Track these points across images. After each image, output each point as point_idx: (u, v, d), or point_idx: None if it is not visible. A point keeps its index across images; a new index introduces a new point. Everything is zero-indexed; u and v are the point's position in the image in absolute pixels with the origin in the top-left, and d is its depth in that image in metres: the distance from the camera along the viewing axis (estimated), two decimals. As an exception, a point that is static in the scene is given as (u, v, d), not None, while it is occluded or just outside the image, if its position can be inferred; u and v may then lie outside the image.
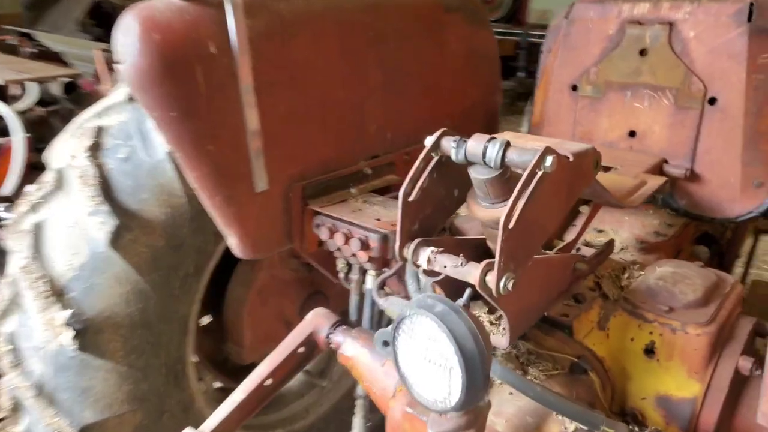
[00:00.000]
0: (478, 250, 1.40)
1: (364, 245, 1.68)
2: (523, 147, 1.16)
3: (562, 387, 1.37)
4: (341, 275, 1.91)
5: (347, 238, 1.71)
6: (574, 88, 1.99)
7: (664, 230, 1.77)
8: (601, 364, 1.41)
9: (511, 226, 1.06)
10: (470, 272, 1.13)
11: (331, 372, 2.94)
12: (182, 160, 1.59)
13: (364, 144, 2.02)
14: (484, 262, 1.12)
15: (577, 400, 1.35)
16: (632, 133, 1.86)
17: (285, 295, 2.44)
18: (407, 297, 1.77)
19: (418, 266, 1.21)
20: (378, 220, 1.72)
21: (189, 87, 1.52)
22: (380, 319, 1.84)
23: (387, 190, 2.06)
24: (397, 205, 1.24)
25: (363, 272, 1.84)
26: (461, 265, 1.15)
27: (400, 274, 1.72)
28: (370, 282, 1.78)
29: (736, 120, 1.67)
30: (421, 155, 1.23)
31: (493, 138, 1.16)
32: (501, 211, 1.21)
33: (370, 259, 1.71)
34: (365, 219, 1.72)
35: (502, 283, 1.08)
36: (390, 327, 1.29)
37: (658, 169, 1.77)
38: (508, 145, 1.14)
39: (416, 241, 1.22)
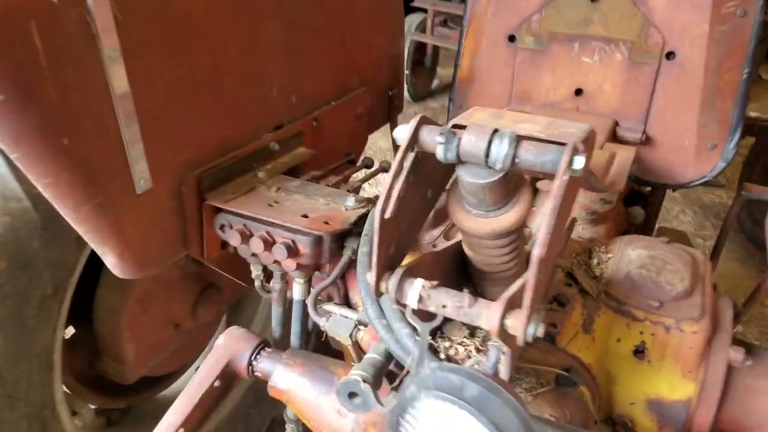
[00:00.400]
0: (455, 261, 1.13)
1: (292, 251, 1.33)
2: (530, 139, 0.88)
3: (552, 406, 1.18)
4: (257, 283, 1.55)
5: (267, 242, 1.35)
6: (512, 38, 1.73)
7: (608, 196, 1.62)
8: (589, 373, 1.24)
9: (544, 255, 0.79)
10: (481, 315, 0.86)
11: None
12: (24, 163, 1.11)
13: (266, 112, 1.62)
14: (500, 301, 0.84)
15: (571, 422, 1.17)
16: (579, 92, 1.67)
17: (172, 296, 2.02)
18: (346, 304, 1.47)
19: (403, 305, 0.91)
20: (305, 216, 1.37)
21: (22, 56, 1.02)
22: (310, 333, 1.52)
23: (297, 169, 1.70)
24: (369, 223, 0.92)
25: (285, 278, 1.49)
26: (468, 305, 0.87)
27: (336, 281, 1.40)
28: (299, 292, 1.44)
29: (694, 77, 1.53)
30: (398, 156, 0.91)
31: (497, 131, 0.86)
32: (498, 222, 0.94)
33: (299, 267, 1.37)
34: (289, 216, 1.36)
35: (530, 330, 0.82)
36: (358, 378, 1.00)
37: (612, 134, 1.61)
38: (518, 140, 0.86)
39: (399, 271, 0.91)
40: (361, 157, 2.03)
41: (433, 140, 0.90)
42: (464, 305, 0.87)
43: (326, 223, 1.35)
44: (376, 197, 1.72)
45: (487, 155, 0.86)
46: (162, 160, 1.31)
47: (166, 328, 2.05)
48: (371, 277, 0.91)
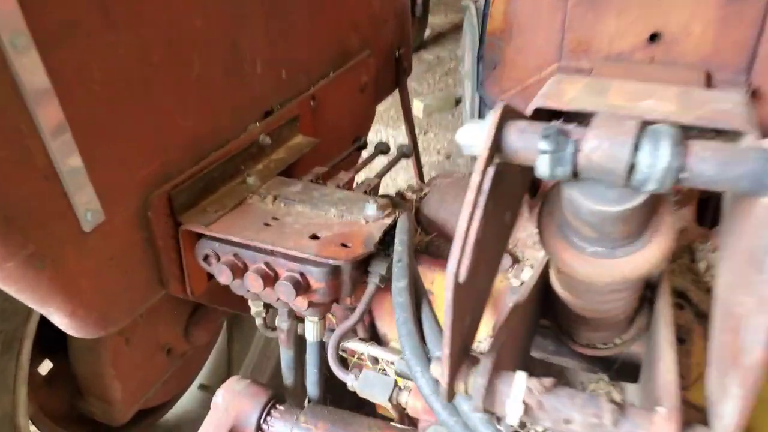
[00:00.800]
0: (535, 297, 0.79)
1: (301, 287, 0.99)
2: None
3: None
4: (258, 321, 1.22)
5: (267, 278, 1.01)
6: (560, -25, 1.35)
7: None
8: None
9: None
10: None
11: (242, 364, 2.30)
12: None
13: (250, 96, 1.25)
14: (671, 414, 0.51)
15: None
16: (654, 37, 1.30)
17: (159, 320, 1.69)
18: (373, 338, 1.15)
19: (498, 418, 0.59)
20: (315, 237, 1.03)
21: None
22: (330, 379, 1.20)
23: (296, 166, 1.34)
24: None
25: (294, 315, 1.16)
26: (611, 420, 0.54)
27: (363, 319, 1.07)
28: (313, 332, 1.12)
29: (823, 4, 1.16)
30: (474, 180, 0.56)
31: (646, 126, 0.52)
32: (632, 264, 0.60)
33: (312, 305, 1.04)
34: (293, 240, 1.02)
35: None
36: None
37: (703, 91, 1.24)
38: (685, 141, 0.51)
39: (486, 363, 0.58)
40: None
41: (530, 147, 0.55)
42: (605, 420, 0.54)
43: (344, 245, 1.01)
44: (400, 195, 1.38)
45: (631, 169, 0.51)
46: (115, 181, 0.96)
47: (156, 356, 1.73)
48: (441, 374, 0.58)
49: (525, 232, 1.23)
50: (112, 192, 0.95)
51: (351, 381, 1.00)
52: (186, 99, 1.08)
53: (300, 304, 1.01)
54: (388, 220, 1.08)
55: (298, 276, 0.99)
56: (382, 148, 1.48)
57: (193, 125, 1.11)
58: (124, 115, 0.95)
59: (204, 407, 2.24)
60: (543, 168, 0.54)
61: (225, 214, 1.10)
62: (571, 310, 0.78)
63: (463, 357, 0.60)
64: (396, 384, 0.97)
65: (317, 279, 0.99)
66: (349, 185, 1.25)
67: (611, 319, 0.77)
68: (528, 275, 1.09)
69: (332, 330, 1.24)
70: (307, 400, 1.17)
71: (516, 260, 1.14)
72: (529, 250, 1.16)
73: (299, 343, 1.19)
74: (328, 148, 1.43)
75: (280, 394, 1.14)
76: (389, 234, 1.06)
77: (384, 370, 1.20)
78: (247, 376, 2.33)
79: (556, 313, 0.85)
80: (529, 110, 0.66)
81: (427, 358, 0.82)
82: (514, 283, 1.08)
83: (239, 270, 1.03)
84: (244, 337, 2.30)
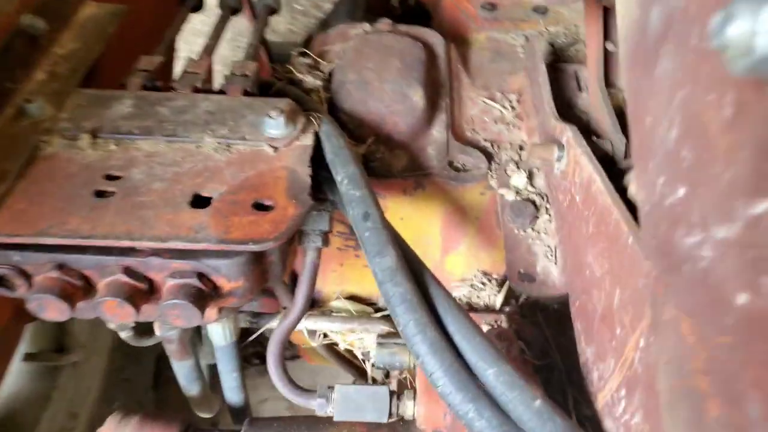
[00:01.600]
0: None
1: (205, 296, 0.57)
2: None
3: None
4: (125, 335, 0.76)
5: (137, 294, 0.56)
6: None
7: None
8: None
9: None
10: None
11: (73, 334, 1.79)
12: None
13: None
14: None
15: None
16: None
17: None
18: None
19: None
20: (201, 201, 0.58)
21: None
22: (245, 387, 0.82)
23: (106, 64, 0.79)
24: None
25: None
26: None
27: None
28: (224, 335, 0.71)
29: None
30: None
31: None
32: None
33: (223, 312, 0.63)
34: (164, 217, 0.56)
35: None
36: None
37: None
38: None
39: None
40: None
41: None
42: None
43: (259, 206, 0.58)
44: (290, 81, 0.90)
45: None
46: None
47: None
48: None
49: (476, 107, 0.88)
50: None
51: (322, 407, 0.64)
52: None
53: (209, 316, 0.60)
54: (308, 140, 0.66)
55: (194, 281, 0.56)
56: (232, 4, 0.94)
57: None
58: None
59: (37, 379, 1.74)
60: None
61: (12, 188, 0.58)
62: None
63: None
64: (393, 395, 0.64)
65: (230, 277, 0.57)
66: (207, 81, 0.76)
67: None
68: (521, 180, 0.77)
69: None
70: (230, 411, 0.80)
71: (489, 157, 0.80)
72: (493, 134, 0.83)
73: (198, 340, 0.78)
74: (146, 17, 0.87)
75: (191, 421, 0.76)
76: (316, 162, 0.65)
77: (324, 336, 0.85)
78: (87, 325, 1.83)
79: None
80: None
81: (481, 390, 0.50)
82: (507, 196, 0.76)
83: (78, 291, 0.56)
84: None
